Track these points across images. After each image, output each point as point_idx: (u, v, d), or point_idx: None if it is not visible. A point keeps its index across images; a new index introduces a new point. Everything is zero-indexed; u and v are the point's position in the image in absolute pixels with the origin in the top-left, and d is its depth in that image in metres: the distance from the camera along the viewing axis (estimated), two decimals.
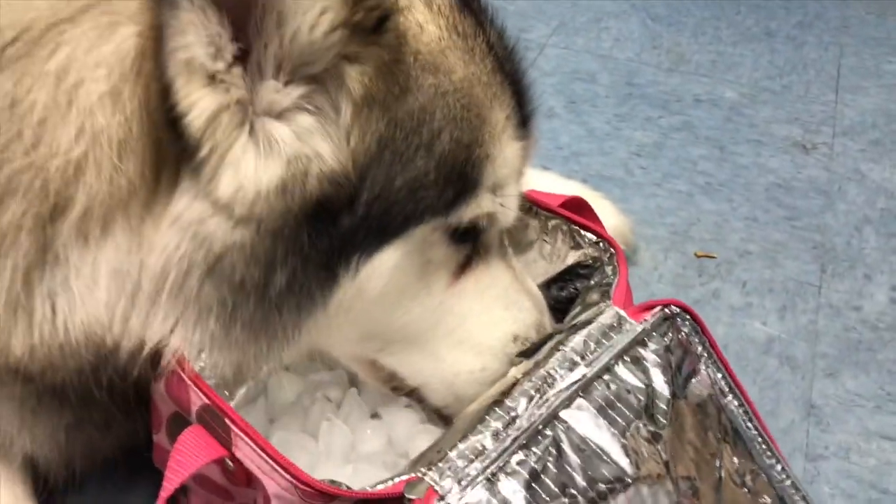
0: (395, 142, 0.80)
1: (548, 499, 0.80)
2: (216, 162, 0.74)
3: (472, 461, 0.80)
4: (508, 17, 0.96)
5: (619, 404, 0.88)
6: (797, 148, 1.91)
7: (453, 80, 0.84)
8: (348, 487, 0.78)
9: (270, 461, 0.77)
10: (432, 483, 0.77)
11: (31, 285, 0.79)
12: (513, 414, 0.84)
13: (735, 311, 1.47)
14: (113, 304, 0.80)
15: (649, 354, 0.93)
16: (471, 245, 0.94)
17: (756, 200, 1.74)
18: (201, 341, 0.82)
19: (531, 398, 0.86)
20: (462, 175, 0.85)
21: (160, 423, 0.91)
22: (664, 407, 0.90)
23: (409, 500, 0.77)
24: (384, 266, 0.85)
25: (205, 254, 0.77)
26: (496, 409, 0.85)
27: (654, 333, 0.94)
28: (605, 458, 0.84)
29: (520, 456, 0.81)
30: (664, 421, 0.90)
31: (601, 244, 1.07)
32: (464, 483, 0.78)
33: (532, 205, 1.13)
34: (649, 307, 0.97)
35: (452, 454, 0.80)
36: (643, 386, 0.90)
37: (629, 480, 0.84)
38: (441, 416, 1.02)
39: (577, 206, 1.16)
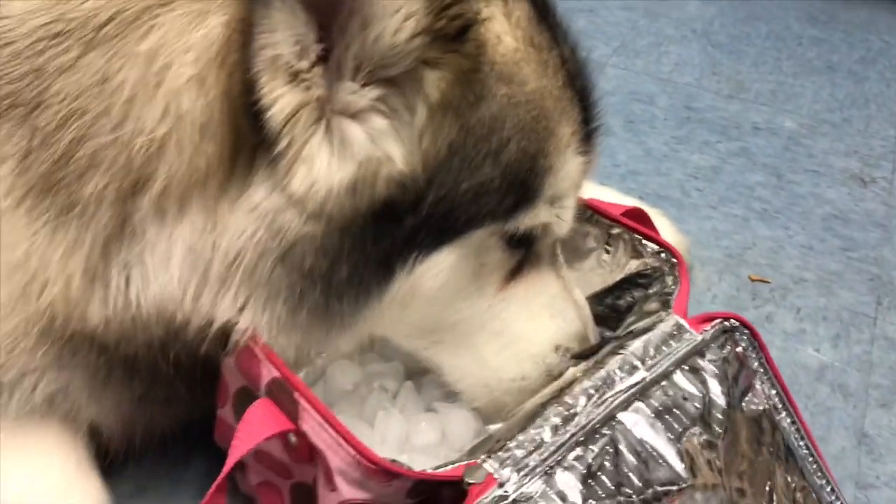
0: (464, 148, 0.82)
1: (603, 495, 0.81)
2: (292, 156, 0.77)
3: (530, 452, 0.81)
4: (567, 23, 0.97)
5: (675, 410, 0.89)
6: (855, 180, 1.89)
7: (526, 92, 0.85)
8: (409, 468, 0.80)
9: (337, 435, 0.79)
10: (491, 470, 0.79)
11: (108, 257, 0.82)
12: (572, 410, 0.85)
13: (788, 337, 1.46)
14: (185, 281, 0.83)
15: (707, 365, 0.94)
16: (524, 252, 0.96)
17: (812, 229, 1.73)
18: (269, 322, 0.85)
19: (590, 397, 0.87)
20: (524, 184, 0.87)
21: (226, 398, 0.93)
22: (720, 416, 0.91)
23: (468, 484, 0.78)
24: (440, 266, 0.87)
25: (278, 242, 0.81)
26: (555, 404, 0.86)
27: (712, 345, 0.95)
28: (660, 461, 0.85)
29: (577, 452, 0.83)
30: (720, 430, 0.90)
31: (663, 254, 1.08)
32: (522, 473, 0.79)
33: (593, 213, 1.14)
34: (709, 318, 0.97)
35: (512, 444, 0.81)
36: (700, 394, 0.91)
37: (683, 485, 0.85)
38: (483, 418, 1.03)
39: (638, 217, 1.18)
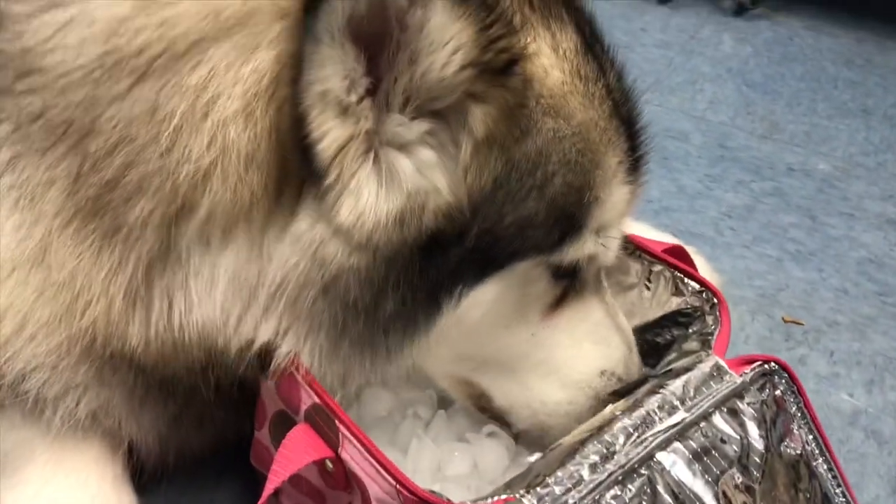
0: (509, 182, 0.83)
1: None
2: (340, 188, 0.78)
3: (569, 490, 0.80)
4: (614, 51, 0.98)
5: (714, 452, 0.88)
6: (890, 225, 1.88)
7: (572, 125, 0.86)
8: (448, 500, 0.80)
9: (377, 464, 0.79)
10: None
11: (151, 280, 0.84)
12: (611, 449, 0.85)
13: (821, 380, 1.45)
14: (229, 307, 0.84)
15: (746, 408, 0.93)
16: (568, 281, 0.96)
17: (846, 273, 1.72)
18: (311, 352, 0.85)
19: (629, 436, 0.86)
20: (570, 217, 0.87)
21: (264, 420, 0.94)
22: (758, 460, 0.90)
23: None
24: (485, 297, 0.88)
25: (322, 273, 0.81)
26: (595, 441, 0.85)
27: (751, 387, 0.95)
28: (697, 503, 0.84)
29: (615, 491, 0.82)
30: (757, 474, 0.90)
31: (704, 294, 1.08)
32: None
33: (636, 248, 1.14)
34: (749, 361, 0.97)
35: (551, 480, 0.81)
36: (738, 437, 0.90)
37: None
38: (527, 443, 1.03)
39: (679, 255, 1.17)
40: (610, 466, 0.83)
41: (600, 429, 0.88)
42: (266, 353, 0.87)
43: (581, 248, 0.90)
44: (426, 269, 0.83)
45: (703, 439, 0.88)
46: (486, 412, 1.03)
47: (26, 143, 0.83)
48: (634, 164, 0.94)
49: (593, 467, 0.83)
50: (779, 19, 2.81)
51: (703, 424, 0.90)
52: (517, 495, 0.79)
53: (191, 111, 0.78)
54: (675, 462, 0.86)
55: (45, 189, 0.83)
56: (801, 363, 1.48)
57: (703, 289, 1.08)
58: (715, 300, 1.06)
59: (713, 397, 0.91)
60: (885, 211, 1.92)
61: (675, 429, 0.88)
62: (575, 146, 0.86)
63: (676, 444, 0.87)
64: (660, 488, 0.84)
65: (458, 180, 0.81)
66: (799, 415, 0.98)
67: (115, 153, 0.80)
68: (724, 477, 0.87)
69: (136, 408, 0.96)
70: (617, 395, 0.99)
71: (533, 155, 0.83)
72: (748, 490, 0.88)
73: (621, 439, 0.86)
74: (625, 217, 0.97)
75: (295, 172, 0.80)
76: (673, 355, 1.03)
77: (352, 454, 0.81)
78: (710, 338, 1.01)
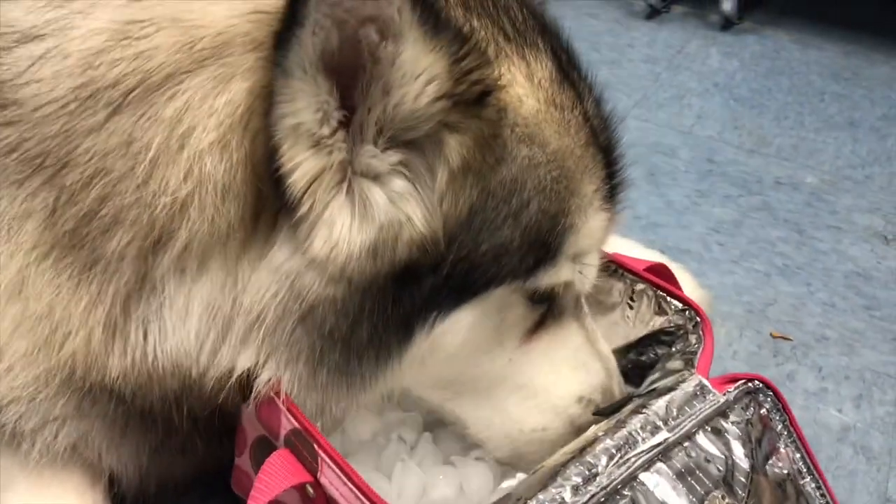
0: (485, 209, 0.83)
1: None
2: (314, 219, 0.78)
3: None
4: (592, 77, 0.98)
5: (698, 472, 0.88)
6: (878, 238, 1.89)
7: (547, 153, 0.86)
8: None
9: (355, 490, 0.79)
10: None
11: (128, 311, 0.83)
12: (593, 470, 0.84)
13: (809, 396, 1.44)
14: (203, 336, 0.84)
15: (731, 426, 0.93)
16: (546, 306, 0.96)
17: (834, 287, 1.72)
18: (290, 380, 0.85)
19: (612, 457, 0.86)
20: (545, 243, 0.87)
21: (244, 446, 0.93)
22: (743, 480, 0.90)
23: None
24: (460, 324, 0.87)
25: (300, 303, 0.81)
26: (577, 463, 0.85)
27: (736, 406, 0.94)
28: None
29: None
30: (742, 494, 0.89)
31: (687, 312, 1.07)
32: None
33: (618, 267, 1.14)
34: (733, 380, 0.97)
35: (532, 503, 0.80)
36: (723, 456, 0.90)
37: None
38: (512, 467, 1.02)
39: (662, 274, 1.17)
40: (592, 488, 0.82)
41: (582, 450, 0.87)
42: (246, 381, 0.86)
43: (557, 275, 0.90)
44: (400, 298, 0.83)
45: (686, 459, 0.88)
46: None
47: (2, 176, 0.83)
48: (611, 191, 0.94)
49: (575, 489, 0.82)
50: (766, 33, 2.83)
51: (686, 444, 0.89)
52: None
53: (167, 143, 0.78)
54: (658, 483, 0.86)
55: (21, 221, 0.83)
56: (790, 379, 1.47)
57: (685, 307, 1.08)
58: (698, 319, 1.05)
59: (696, 417, 0.91)
60: (872, 224, 1.93)
61: (658, 449, 0.87)
62: (550, 173, 0.86)
63: (660, 465, 0.87)
64: None
65: (433, 210, 0.81)
66: (785, 433, 0.97)
67: (91, 186, 0.79)
68: (708, 497, 0.87)
69: (116, 439, 0.95)
70: (600, 415, 0.98)
71: (508, 182, 0.83)
72: None
73: (603, 460, 0.85)
74: (602, 244, 0.97)
75: (270, 203, 0.80)
76: (657, 374, 1.02)
77: (331, 479, 0.81)
78: (693, 357, 1.00)
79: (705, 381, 0.95)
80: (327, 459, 0.81)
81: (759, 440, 0.94)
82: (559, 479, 0.83)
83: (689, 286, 1.45)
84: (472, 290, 0.86)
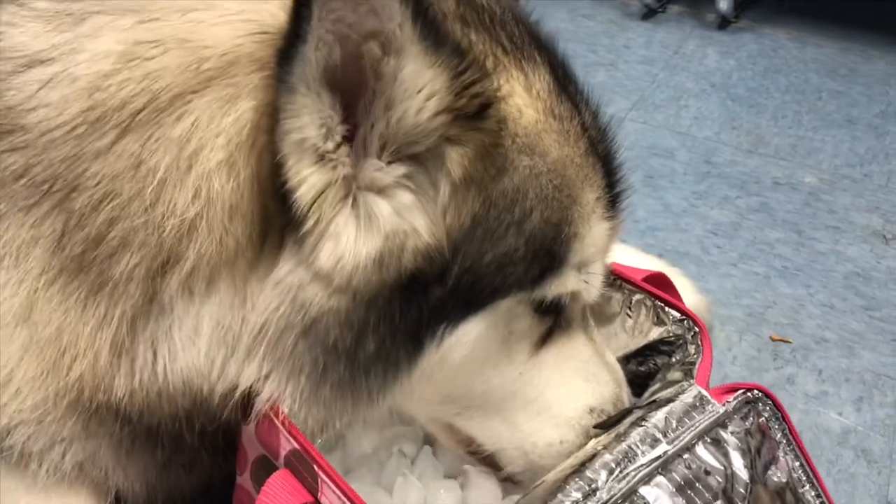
0: (488, 220, 0.83)
1: None
2: (319, 233, 0.78)
3: None
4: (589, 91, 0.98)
5: (697, 484, 0.88)
6: (877, 238, 1.89)
7: (547, 162, 0.86)
8: None
9: None
10: None
11: (135, 332, 0.84)
12: (593, 486, 0.84)
13: (810, 399, 1.44)
14: (213, 355, 0.84)
15: (730, 437, 0.93)
16: (553, 317, 0.96)
17: (834, 288, 1.72)
18: (292, 395, 0.85)
19: (612, 471, 0.86)
20: (549, 252, 0.88)
21: (245, 465, 0.93)
22: (742, 491, 0.90)
23: None
24: (468, 336, 0.87)
25: (303, 316, 0.81)
26: (577, 478, 0.85)
27: (735, 416, 0.94)
28: None
29: None
30: None
31: (685, 322, 1.08)
32: None
33: (616, 278, 1.14)
34: (732, 390, 0.97)
35: None
36: (722, 468, 0.90)
37: None
38: (515, 482, 1.02)
39: (660, 283, 1.17)
40: (592, 503, 0.83)
41: (582, 465, 0.87)
42: (248, 398, 0.86)
43: (563, 284, 0.91)
44: (407, 309, 0.83)
45: (686, 472, 0.88)
46: (476, 455, 1.03)
47: (10, 202, 0.83)
48: (613, 200, 0.95)
49: None
50: (763, 31, 2.83)
51: (686, 456, 0.89)
52: None
53: (175, 164, 0.78)
54: (658, 496, 0.86)
55: (29, 247, 0.83)
56: (790, 382, 1.48)
57: (684, 317, 1.08)
58: (696, 329, 1.06)
59: (696, 428, 0.91)
60: (871, 223, 1.93)
61: (658, 462, 0.87)
62: (551, 182, 0.86)
63: (660, 478, 0.87)
64: None
65: (436, 220, 0.81)
66: (784, 441, 0.97)
67: (100, 209, 0.80)
68: None
69: (123, 458, 0.95)
70: (600, 428, 0.98)
71: (510, 192, 0.84)
72: None
73: (603, 475, 0.85)
74: (606, 254, 0.97)
75: (277, 219, 0.80)
76: (657, 385, 1.03)
77: (330, 499, 0.81)
78: (692, 367, 1.00)
79: (704, 392, 0.95)
80: (327, 480, 0.81)
81: (758, 450, 0.94)
82: (560, 496, 0.83)
83: (688, 292, 1.45)
84: (480, 301, 0.86)
